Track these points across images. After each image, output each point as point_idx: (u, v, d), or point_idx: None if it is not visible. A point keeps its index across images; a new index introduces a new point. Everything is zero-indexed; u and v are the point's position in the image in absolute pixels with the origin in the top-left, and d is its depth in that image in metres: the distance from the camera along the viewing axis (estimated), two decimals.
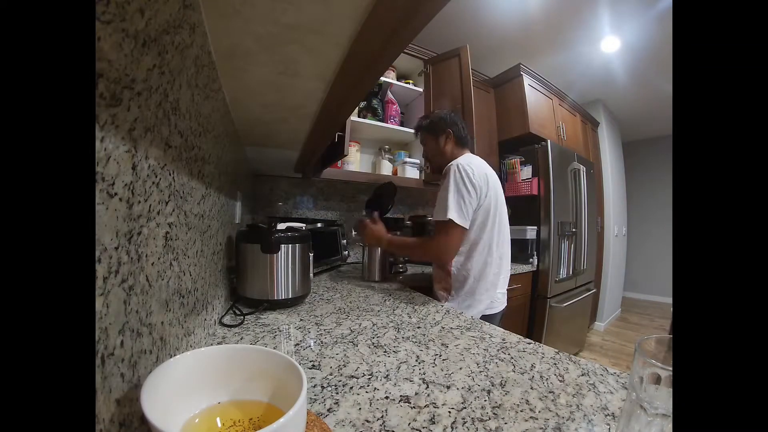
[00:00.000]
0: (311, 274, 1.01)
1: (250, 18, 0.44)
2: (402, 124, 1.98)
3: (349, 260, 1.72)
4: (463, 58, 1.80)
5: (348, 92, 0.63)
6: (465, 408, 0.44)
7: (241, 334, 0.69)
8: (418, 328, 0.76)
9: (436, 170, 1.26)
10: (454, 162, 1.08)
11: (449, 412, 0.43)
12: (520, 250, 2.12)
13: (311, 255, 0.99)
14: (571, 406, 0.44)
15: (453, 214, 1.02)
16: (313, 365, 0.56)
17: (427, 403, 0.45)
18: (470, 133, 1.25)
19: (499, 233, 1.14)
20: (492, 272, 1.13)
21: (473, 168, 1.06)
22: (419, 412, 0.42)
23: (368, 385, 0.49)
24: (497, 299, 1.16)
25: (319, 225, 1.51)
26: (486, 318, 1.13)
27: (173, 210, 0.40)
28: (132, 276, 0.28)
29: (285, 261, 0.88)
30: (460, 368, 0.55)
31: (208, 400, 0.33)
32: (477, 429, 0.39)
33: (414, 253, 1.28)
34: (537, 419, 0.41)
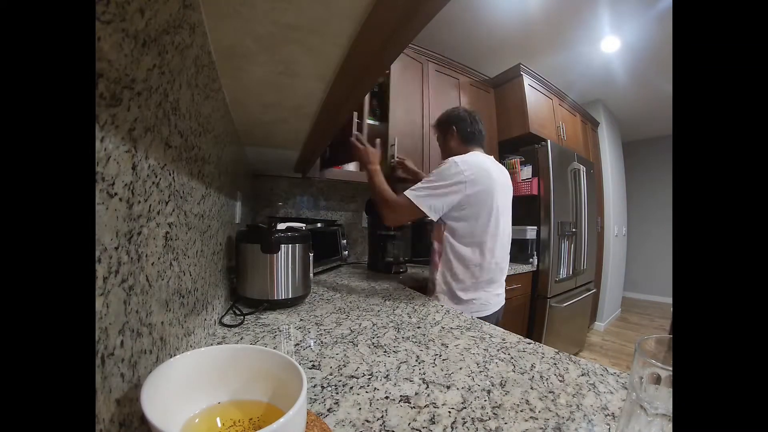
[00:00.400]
0: (311, 274, 1.01)
1: (250, 18, 0.44)
2: None
3: (349, 260, 1.72)
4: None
5: (348, 92, 0.63)
6: (465, 408, 0.44)
7: (241, 334, 0.69)
8: (418, 328, 0.76)
9: None
10: (455, 157, 1.09)
11: (449, 412, 0.43)
12: (520, 250, 2.11)
13: (311, 255, 0.99)
14: (571, 406, 0.44)
15: (413, 194, 1.04)
16: (313, 365, 0.56)
17: (427, 403, 0.45)
18: (479, 130, 1.20)
19: (495, 236, 1.11)
20: (485, 276, 1.10)
21: (468, 165, 1.05)
22: (419, 412, 0.42)
23: (368, 385, 0.49)
24: (490, 301, 1.13)
25: (319, 225, 1.52)
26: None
27: (173, 210, 0.40)
28: (132, 276, 0.28)
29: (285, 261, 0.88)
30: (460, 368, 0.55)
31: (208, 400, 0.33)
32: (477, 429, 0.39)
33: (378, 197, 1.17)
34: (537, 419, 0.41)
